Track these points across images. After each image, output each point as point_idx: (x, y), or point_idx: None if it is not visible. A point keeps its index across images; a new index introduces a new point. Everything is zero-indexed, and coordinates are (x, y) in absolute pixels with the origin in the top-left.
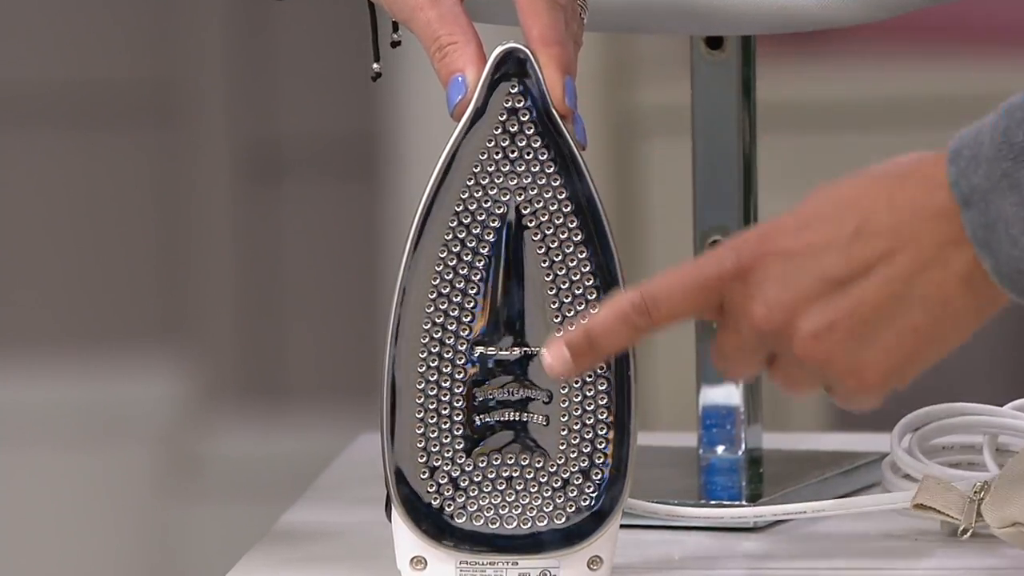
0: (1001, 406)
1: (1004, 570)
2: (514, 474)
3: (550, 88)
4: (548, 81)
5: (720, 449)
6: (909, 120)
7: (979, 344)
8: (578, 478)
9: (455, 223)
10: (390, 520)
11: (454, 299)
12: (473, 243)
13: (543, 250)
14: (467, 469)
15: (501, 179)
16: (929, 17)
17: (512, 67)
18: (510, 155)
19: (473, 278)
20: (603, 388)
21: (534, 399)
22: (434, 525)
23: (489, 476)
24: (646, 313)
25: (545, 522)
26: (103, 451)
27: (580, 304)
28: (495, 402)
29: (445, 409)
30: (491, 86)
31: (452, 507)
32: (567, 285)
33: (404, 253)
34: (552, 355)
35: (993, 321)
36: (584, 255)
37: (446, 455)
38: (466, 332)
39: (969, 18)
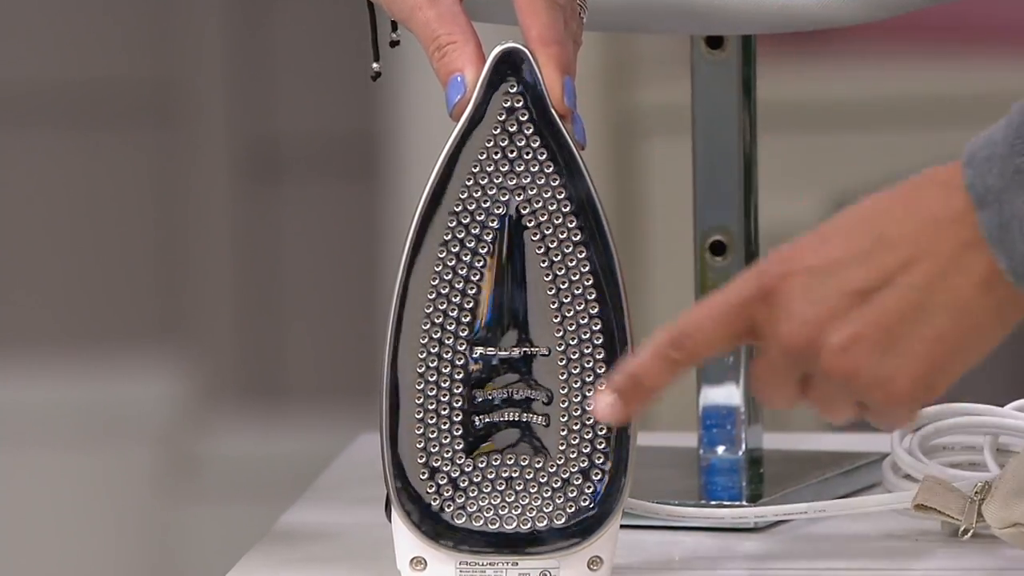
0: (1002, 406)
1: (1005, 571)
2: (514, 474)
3: (549, 88)
4: (547, 81)
5: (720, 449)
6: (909, 120)
7: None
8: (578, 478)
9: (454, 223)
10: (390, 520)
11: (453, 299)
12: (472, 243)
13: (542, 250)
14: (467, 469)
15: (500, 179)
16: (929, 17)
17: (511, 67)
18: (509, 155)
19: (472, 278)
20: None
21: (534, 399)
22: (434, 525)
23: (489, 476)
24: (682, 348)
25: (545, 522)
26: (102, 451)
27: (580, 304)
28: (495, 402)
29: (445, 409)
30: (490, 86)
31: (452, 507)
32: (566, 285)
33: (403, 253)
34: (601, 404)
35: None
36: (584, 255)
37: (446, 455)
38: (466, 332)
39: (969, 18)
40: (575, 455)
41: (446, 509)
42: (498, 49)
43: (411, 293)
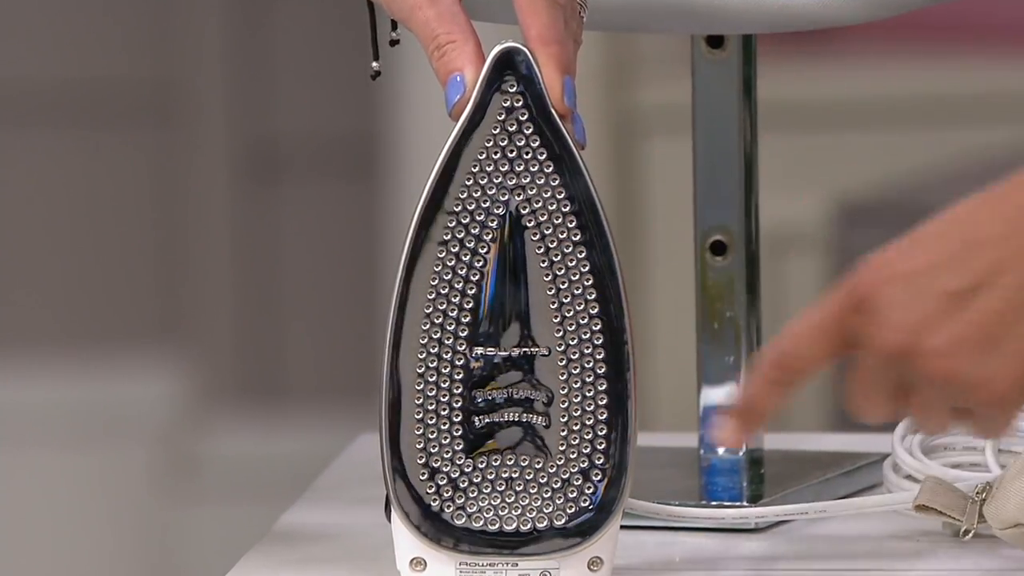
0: None
1: (1006, 571)
2: (514, 475)
3: (549, 87)
4: (547, 80)
5: (721, 449)
6: (910, 119)
7: None
8: (578, 479)
9: (454, 223)
10: (389, 521)
11: (453, 299)
12: (472, 243)
13: (542, 250)
14: (467, 470)
15: (500, 179)
16: (930, 16)
17: (511, 66)
18: (509, 155)
19: (472, 278)
20: (603, 389)
21: (534, 400)
22: (434, 526)
23: (489, 477)
24: (786, 369)
25: (545, 523)
26: (102, 451)
27: (580, 304)
28: (495, 402)
29: (444, 410)
30: (490, 85)
31: (452, 508)
32: (566, 285)
33: (403, 253)
34: (722, 433)
35: None
36: (584, 255)
37: (446, 456)
38: (465, 332)
39: (970, 17)
40: (575, 455)
41: (446, 509)
42: (498, 48)
43: (411, 293)
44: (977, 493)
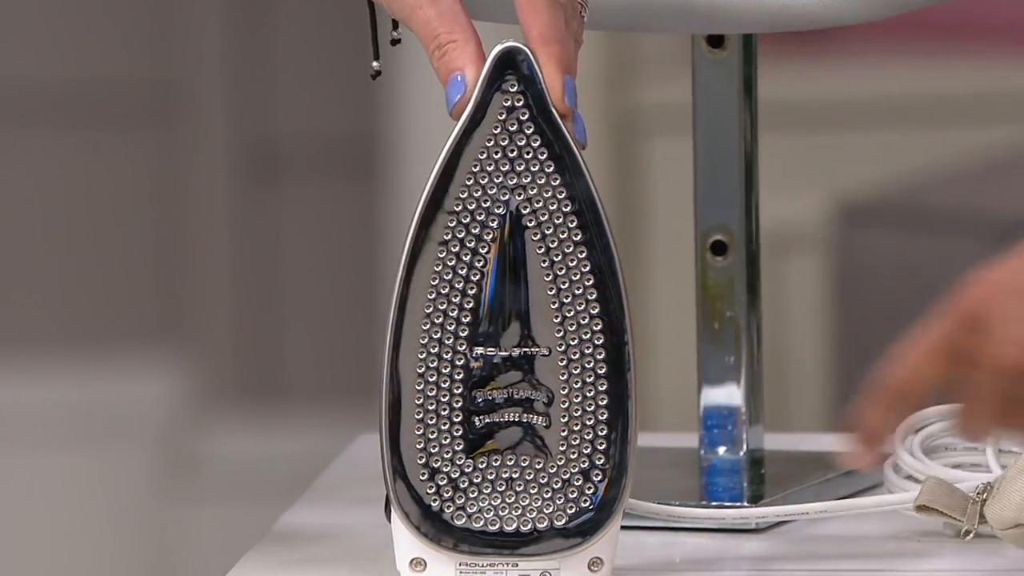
0: None
1: (1007, 572)
2: (514, 475)
3: (550, 87)
4: (548, 80)
5: (721, 450)
6: (911, 119)
7: None
8: (578, 479)
9: (454, 223)
10: (389, 521)
11: (453, 299)
12: (472, 243)
13: (543, 250)
14: (467, 470)
15: (500, 178)
16: (931, 16)
17: (512, 66)
18: (509, 154)
19: (472, 278)
20: (603, 389)
21: (535, 400)
22: (434, 526)
23: (489, 477)
24: (907, 395)
25: (545, 523)
26: (101, 451)
27: (580, 304)
28: (495, 403)
29: (445, 410)
30: (490, 85)
31: (452, 508)
32: (567, 285)
33: (403, 253)
34: (852, 457)
35: None
36: (584, 255)
37: (446, 456)
38: (466, 332)
39: (971, 16)
40: (576, 456)
41: (446, 510)
42: (498, 48)
43: (411, 293)
44: (978, 494)
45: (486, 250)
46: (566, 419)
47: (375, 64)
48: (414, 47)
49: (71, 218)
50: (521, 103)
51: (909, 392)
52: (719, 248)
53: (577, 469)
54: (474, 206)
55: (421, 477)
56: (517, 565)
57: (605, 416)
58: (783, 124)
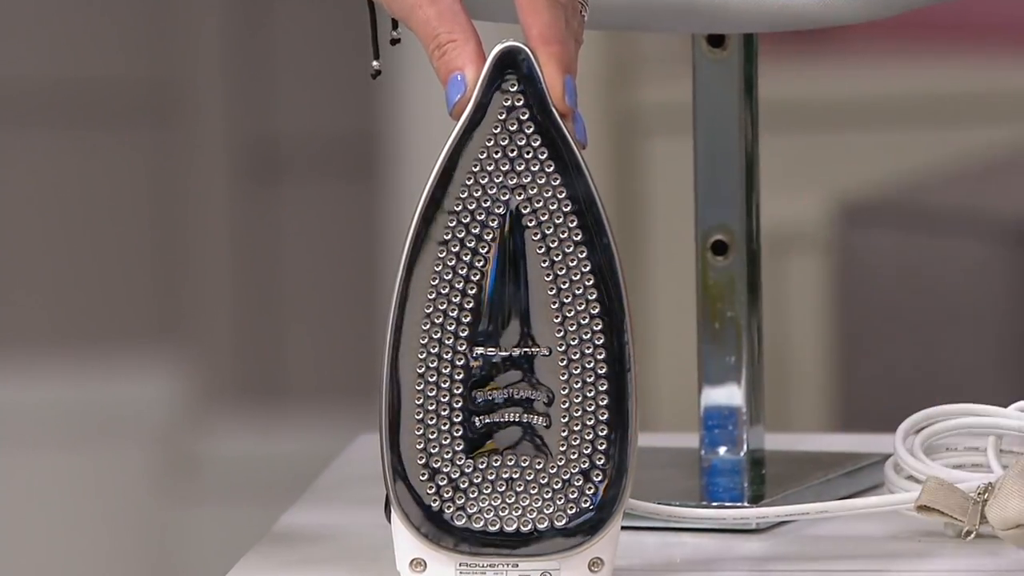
0: (1005, 407)
1: (1008, 572)
2: (514, 475)
3: (550, 87)
4: (548, 80)
5: (722, 450)
6: (912, 118)
7: (983, 344)
8: (579, 479)
9: (454, 222)
10: (389, 521)
11: (453, 299)
12: (472, 243)
13: (543, 250)
14: (467, 470)
15: (500, 178)
16: (932, 15)
17: (512, 65)
18: (509, 154)
19: (472, 278)
20: (604, 389)
21: (535, 400)
22: (434, 527)
23: (489, 477)
24: None
25: (545, 523)
26: (100, 452)
27: (580, 304)
28: (495, 403)
29: (445, 410)
30: (490, 85)
31: (452, 508)
32: (567, 285)
33: (403, 253)
34: None
35: (997, 321)
36: (584, 254)
37: (446, 456)
38: (466, 332)
39: (972, 16)
40: (576, 456)
41: (446, 510)
42: (499, 48)
43: (411, 293)
44: (979, 494)
45: (486, 250)
46: (566, 419)
47: (375, 64)
48: (414, 47)
49: (70, 218)
50: (521, 103)
51: None
52: (719, 248)
53: (577, 469)
54: (474, 206)
55: (421, 477)
56: (517, 565)
57: (605, 416)
58: (784, 124)
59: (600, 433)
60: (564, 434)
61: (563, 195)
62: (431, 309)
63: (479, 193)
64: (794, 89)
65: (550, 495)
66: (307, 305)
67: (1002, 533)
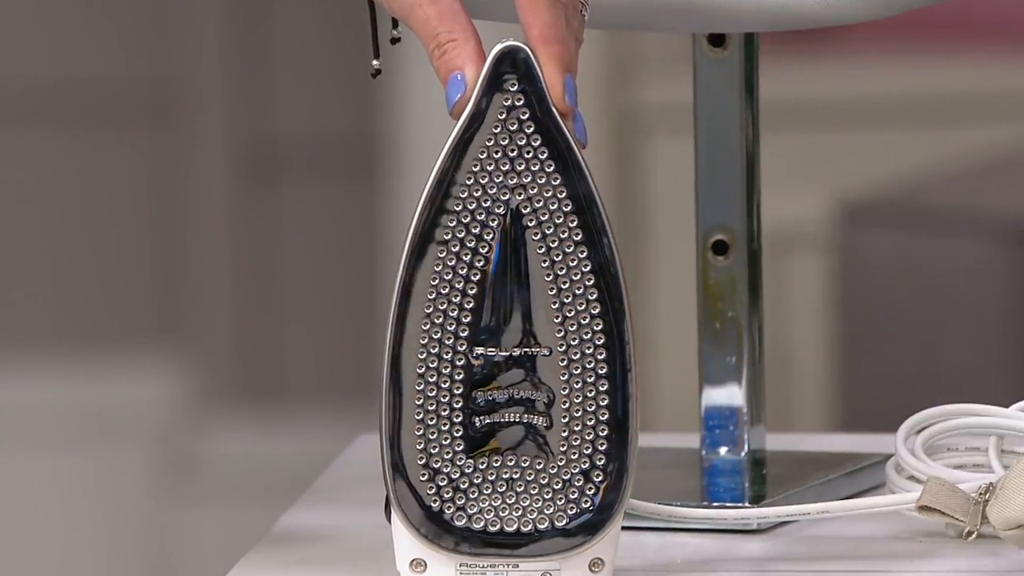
0: (1007, 407)
1: (1009, 572)
2: (515, 475)
3: (550, 86)
4: (548, 79)
5: (723, 450)
6: (913, 118)
7: (984, 344)
8: (579, 479)
9: (454, 222)
10: (389, 522)
11: (454, 299)
12: (472, 242)
13: (543, 249)
14: (467, 471)
15: (500, 178)
16: (932, 15)
17: (512, 65)
18: (510, 154)
19: (472, 278)
20: (604, 389)
21: (535, 400)
22: (434, 527)
23: (489, 477)
24: None
25: (546, 524)
26: (100, 452)
27: (581, 304)
28: (496, 403)
29: (445, 410)
30: (491, 84)
31: (452, 509)
32: (567, 285)
33: (403, 253)
34: None
35: (998, 321)
36: (585, 254)
37: (446, 456)
38: (466, 332)
39: (972, 16)
40: (576, 456)
41: (446, 510)
42: (499, 47)
43: (411, 293)
44: (980, 494)
45: (486, 249)
46: (567, 419)
47: (375, 63)
48: (414, 46)
49: (70, 218)
50: (521, 102)
51: None
52: (720, 247)
53: (578, 469)
54: (474, 205)
55: (421, 477)
56: (518, 566)
57: (606, 416)
58: (785, 123)
59: (601, 433)
60: (565, 434)
61: (563, 195)
62: (431, 309)
63: (479, 193)
64: (795, 89)
65: (551, 495)
66: (307, 305)
67: (1003, 533)
